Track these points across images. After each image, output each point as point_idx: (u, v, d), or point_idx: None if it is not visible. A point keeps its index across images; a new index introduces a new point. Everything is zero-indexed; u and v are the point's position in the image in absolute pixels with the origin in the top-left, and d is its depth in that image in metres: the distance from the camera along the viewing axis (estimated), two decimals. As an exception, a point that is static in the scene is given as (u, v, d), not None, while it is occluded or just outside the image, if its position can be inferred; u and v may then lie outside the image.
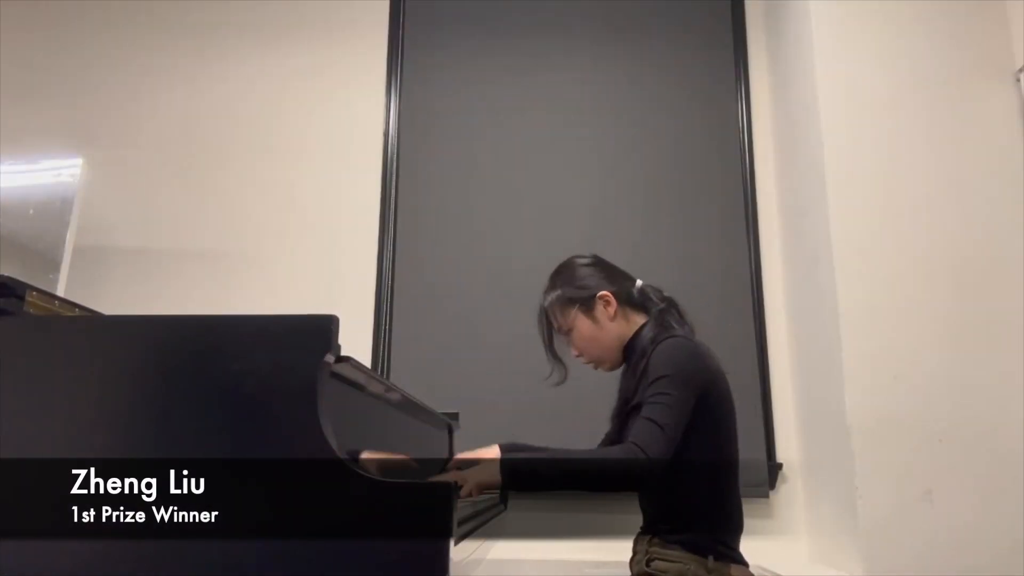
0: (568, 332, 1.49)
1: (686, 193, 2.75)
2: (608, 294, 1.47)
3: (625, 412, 1.42)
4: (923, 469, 2.03)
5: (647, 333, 1.43)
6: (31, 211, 2.52)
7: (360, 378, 1.14)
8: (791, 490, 2.50)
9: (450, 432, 1.97)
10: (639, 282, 1.54)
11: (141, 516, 0.84)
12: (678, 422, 1.26)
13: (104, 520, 0.84)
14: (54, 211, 2.51)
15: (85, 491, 0.85)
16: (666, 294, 1.53)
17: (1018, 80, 2.31)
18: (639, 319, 1.49)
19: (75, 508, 0.84)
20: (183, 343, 0.89)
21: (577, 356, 1.52)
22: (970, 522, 2.00)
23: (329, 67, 2.96)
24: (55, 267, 2.43)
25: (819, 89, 2.32)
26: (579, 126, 2.84)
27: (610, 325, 1.46)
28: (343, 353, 0.93)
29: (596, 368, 1.53)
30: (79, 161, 2.59)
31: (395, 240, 2.75)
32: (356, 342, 2.61)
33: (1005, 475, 2.04)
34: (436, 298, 2.68)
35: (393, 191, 2.80)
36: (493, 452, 1.41)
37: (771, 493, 2.50)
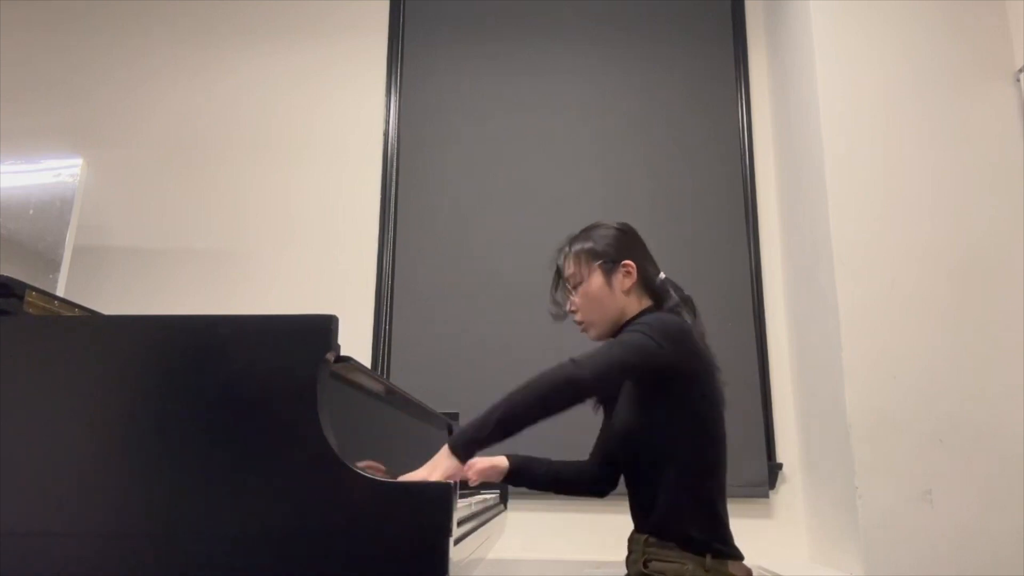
0: (577, 285, 1.46)
1: (686, 193, 2.75)
2: (633, 265, 1.45)
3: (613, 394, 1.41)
4: (923, 469, 2.03)
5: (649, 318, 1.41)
6: (31, 211, 2.52)
7: (360, 378, 1.14)
8: (791, 490, 2.51)
9: (450, 432, 1.97)
10: (663, 274, 1.51)
11: (139, 515, 0.84)
12: (629, 357, 1.23)
13: (103, 520, 0.84)
14: (54, 211, 2.51)
15: (85, 490, 0.85)
16: (687, 293, 1.50)
17: (1018, 80, 2.31)
18: (648, 304, 1.46)
19: (74, 507, 0.84)
20: (183, 343, 0.89)
21: (572, 311, 1.48)
22: (970, 522, 2.00)
23: (329, 67, 2.97)
24: (55, 267, 2.43)
25: (819, 89, 2.32)
26: (579, 126, 2.84)
27: (621, 295, 1.44)
28: (343, 353, 0.93)
29: (583, 331, 1.49)
30: (79, 161, 2.59)
31: (395, 240, 2.75)
32: (356, 342, 2.62)
33: (1005, 475, 2.04)
34: (436, 298, 2.68)
35: (393, 191, 2.80)
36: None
37: (771, 493, 2.50)
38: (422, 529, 0.81)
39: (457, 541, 0.90)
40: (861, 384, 2.10)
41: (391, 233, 2.76)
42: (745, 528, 2.52)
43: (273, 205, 2.84)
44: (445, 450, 1.14)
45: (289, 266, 2.77)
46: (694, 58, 2.88)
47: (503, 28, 2.95)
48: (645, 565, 1.33)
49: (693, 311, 1.47)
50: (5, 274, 0.92)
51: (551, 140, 2.83)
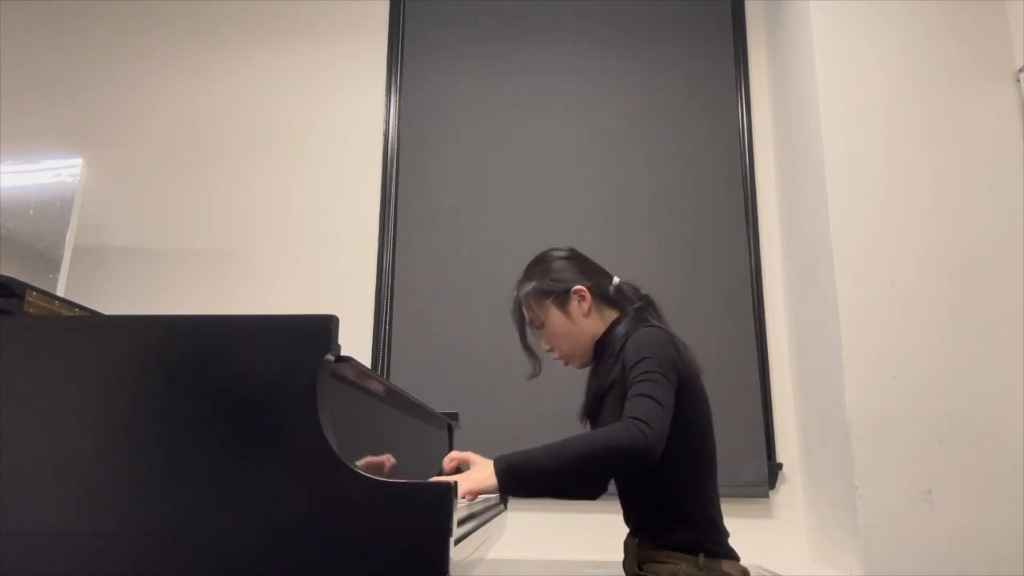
0: (540, 326, 1.46)
1: (686, 193, 2.75)
2: (583, 289, 1.43)
3: (596, 405, 1.40)
4: (923, 469, 2.03)
5: (620, 329, 1.39)
6: (31, 211, 2.52)
7: (360, 378, 1.14)
8: (791, 490, 2.51)
9: (450, 432, 1.97)
10: (616, 279, 1.50)
11: (139, 515, 0.84)
12: (669, 398, 1.22)
13: (103, 520, 0.84)
14: (54, 211, 2.51)
15: (85, 490, 0.85)
16: (643, 292, 1.49)
17: (1018, 80, 2.31)
18: (613, 316, 1.45)
19: (75, 507, 0.84)
20: (183, 343, 0.89)
21: (548, 351, 1.48)
22: (970, 522, 2.00)
23: (329, 67, 2.97)
24: (55, 267, 2.43)
25: (819, 89, 2.32)
26: (579, 126, 2.84)
27: (583, 321, 1.43)
28: (343, 353, 0.93)
29: (566, 364, 1.49)
30: (79, 161, 2.59)
31: (395, 240, 2.75)
32: (356, 342, 2.62)
33: (1005, 475, 2.04)
34: (436, 298, 2.68)
35: (393, 191, 2.80)
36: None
37: (771, 493, 2.50)
38: (422, 529, 0.81)
39: (457, 541, 0.90)
40: (861, 384, 2.10)
41: (391, 233, 2.76)
42: (745, 528, 2.53)
43: (273, 205, 2.84)
44: (490, 470, 1.12)
45: (289, 266, 2.77)
46: (694, 58, 2.88)
47: (503, 28, 2.95)
48: (640, 567, 1.34)
49: (655, 309, 1.47)
50: (5, 274, 0.92)
51: (551, 140, 2.83)
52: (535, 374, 1.49)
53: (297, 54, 2.98)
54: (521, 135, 2.84)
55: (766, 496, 2.49)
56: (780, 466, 2.52)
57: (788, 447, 2.53)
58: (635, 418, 1.16)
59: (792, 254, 2.60)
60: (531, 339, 1.50)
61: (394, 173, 2.82)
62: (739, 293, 2.66)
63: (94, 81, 2.99)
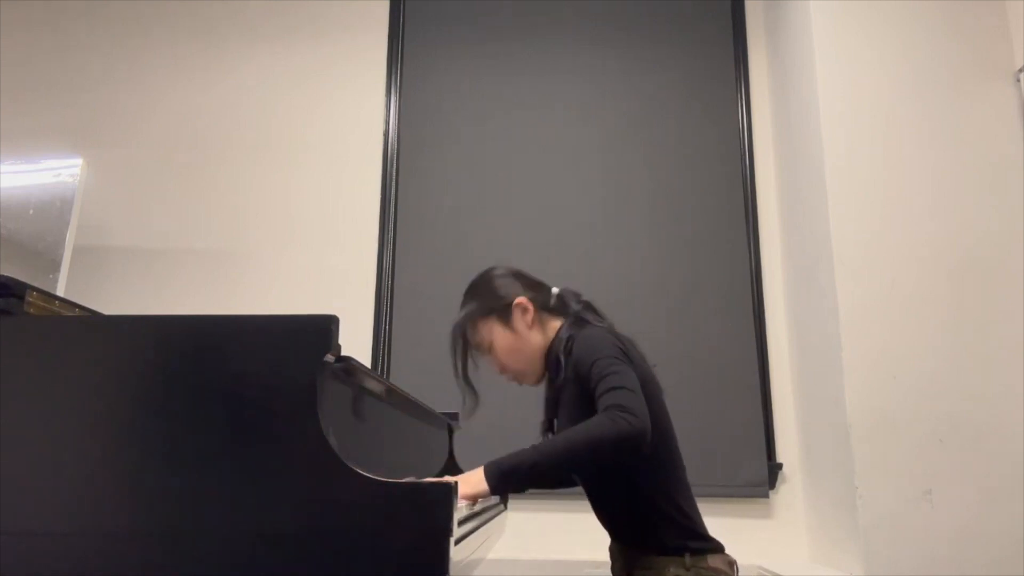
0: (489, 348, 1.43)
1: (686, 193, 2.75)
2: (524, 300, 1.42)
3: (553, 412, 1.39)
4: (923, 469, 2.03)
5: (563, 333, 1.38)
6: (31, 211, 2.52)
7: (360, 378, 1.14)
8: (791, 490, 2.51)
9: (450, 432, 1.97)
10: (555, 289, 1.48)
11: (140, 515, 0.84)
12: (636, 383, 1.19)
13: (102, 520, 0.84)
14: (54, 211, 2.51)
15: (84, 490, 0.85)
16: (583, 297, 1.47)
17: (1018, 80, 2.31)
18: (557, 326, 1.43)
19: (75, 507, 0.84)
20: (183, 343, 0.89)
21: (501, 372, 1.46)
22: (970, 522, 2.00)
23: (329, 67, 2.97)
24: (55, 267, 2.43)
25: (819, 89, 2.32)
26: (579, 126, 2.84)
27: (529, 334, 1.41)
28: (343, 353, 0.93)
29: (520, 383, 1.47)
30: (79, 161, 2.59)
31: (395, 240, 2.75)
32: (356, 342, 2.62)
33: (1005, 475, 2.04)
34: (436, 298, 2.68)
35: (393, 191, 2.80)
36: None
37: (771, 493, 2.50)
38: (423, 529, 0.81)
39: (458, 541, 0.90)
40: (861, 384, 2.10)
41: (391, 233, 2.76)
42: (745, 528, 2.53)
43: (273, 205, 2.84)
44: (480, 474, 1.11)
45: (289, 266, 2.77)
46: (694, 58, 2.88)
47: (503, 28, 2.95)
48: (629, 574, 1.33)
49: (594, 311, 1.45)
50: (5, 274, 0.92)
51: (551, 140, 2.83)
52: (472, 411, 1.45)
53: (297, 54, 2.98)
54: (521, 135, 2.84)
55: (766, 496, 2.49)
56: (780, 466, 2.52)
57: (788, 447, 2.53)
58: (614, 407, 1.13)
59: (792, 254, 2.60)
60: (471, 372, 1.46)
61: (394, 173, 2.82)
62: (739, 293, 2.66)
63: (94, 81, 2.99)
